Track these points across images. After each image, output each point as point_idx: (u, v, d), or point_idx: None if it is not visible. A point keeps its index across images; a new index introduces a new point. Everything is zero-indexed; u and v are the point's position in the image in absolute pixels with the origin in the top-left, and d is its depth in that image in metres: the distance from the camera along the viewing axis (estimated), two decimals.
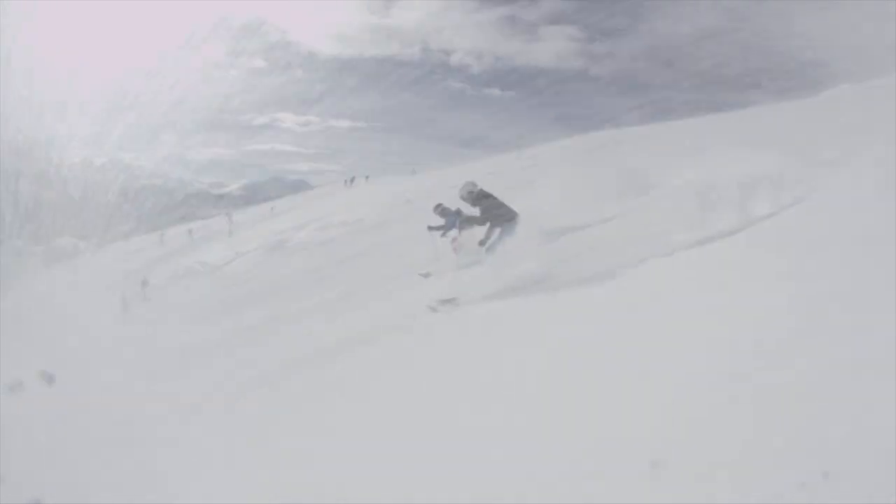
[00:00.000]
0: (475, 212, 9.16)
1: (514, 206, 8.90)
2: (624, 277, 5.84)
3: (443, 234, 11.02)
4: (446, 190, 18.34)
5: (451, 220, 10.79)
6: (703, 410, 2.94)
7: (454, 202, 10.36)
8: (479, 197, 8.90)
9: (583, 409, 3.46)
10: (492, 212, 8.77)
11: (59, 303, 25.60)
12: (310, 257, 21.41)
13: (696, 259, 5.73)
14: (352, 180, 52.48)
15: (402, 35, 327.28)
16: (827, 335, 3.20)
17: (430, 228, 11.10)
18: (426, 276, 10.26)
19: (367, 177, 53.23)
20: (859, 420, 2.42)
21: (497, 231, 8.82)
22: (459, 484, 3.21)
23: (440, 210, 11.16)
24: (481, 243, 8.93)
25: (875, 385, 2.58)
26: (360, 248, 19.57)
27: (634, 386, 3.46)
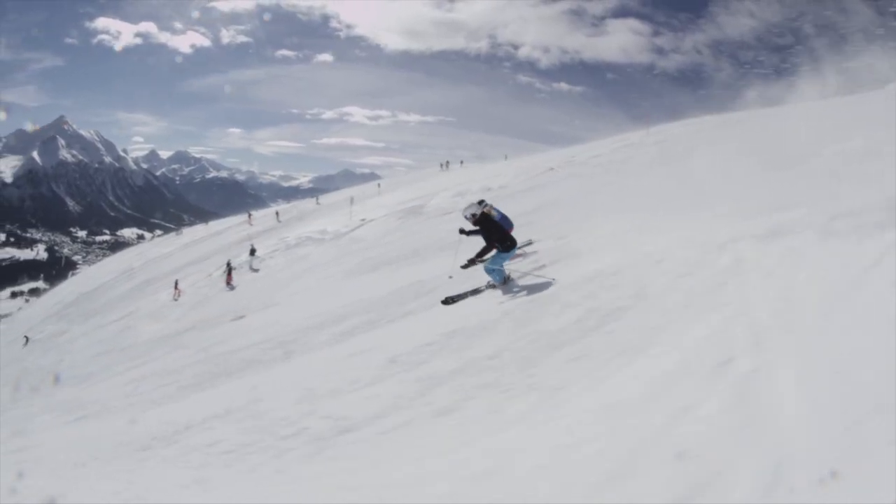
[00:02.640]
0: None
1: (674, 177, 12.62)
2: None
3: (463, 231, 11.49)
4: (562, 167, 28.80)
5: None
6: None
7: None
8: (482, 220, 9.99)
9: None
10: (492, 236, 9.91)
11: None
12: (453, 220, 22.22)
13: None
14: (447, 164, 61.37)
15: (468, 29, 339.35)
16: None
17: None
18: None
19: (461, 162, 62.89)
20: None
21: (492, 254, 10.07)
22: None
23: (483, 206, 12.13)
24: (470, 262, 10.47)
25: None
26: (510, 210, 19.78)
27: None
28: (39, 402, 17.75)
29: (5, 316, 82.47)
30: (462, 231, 10.71)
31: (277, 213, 56.55)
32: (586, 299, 7.92)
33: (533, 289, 9.61)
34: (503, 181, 35.33)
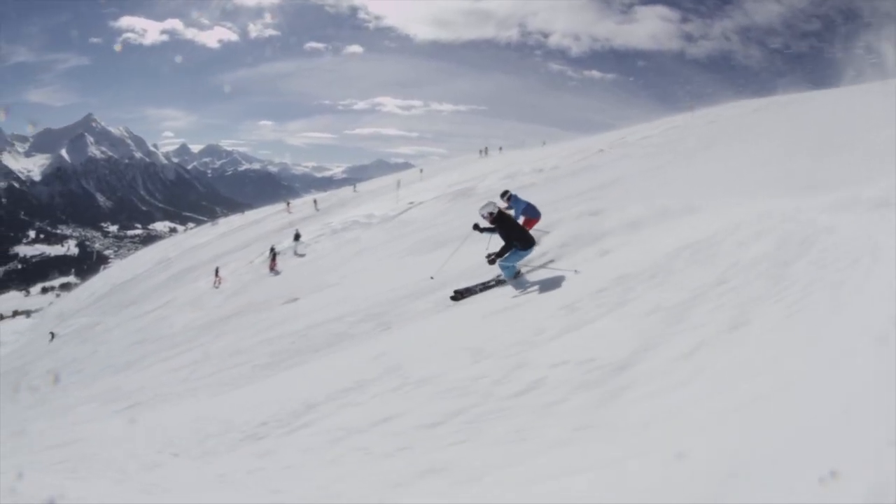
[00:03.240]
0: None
1: (733, 157, 13.11)
2: None
3: None
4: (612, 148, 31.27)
5: (519, 209, 12.62)
6: None
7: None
8: (499, 220, 10.10)
9: None
10: (510, 235, 10.00)
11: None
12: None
13: None
14: (485, 151, 61.82)
15: (497, 18, 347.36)
16: None
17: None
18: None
19: (500, 148, 63.28)
20: None
21: (509, 253, 10.07)
22: None
23: (507, 198, 13.02)
24: (489, 258, 10.26)
25: None
26: (566, 190, 22.12)
27: None
28: (77, 392, 17.36)
29: (36, 311, 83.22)
30: (476, 227, 10.59)
31: (315, 202, 57.09)
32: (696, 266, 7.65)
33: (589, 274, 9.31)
34: (554, 162, 35.52)
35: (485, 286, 11.06)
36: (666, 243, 8.97)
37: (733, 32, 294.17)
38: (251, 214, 71.68)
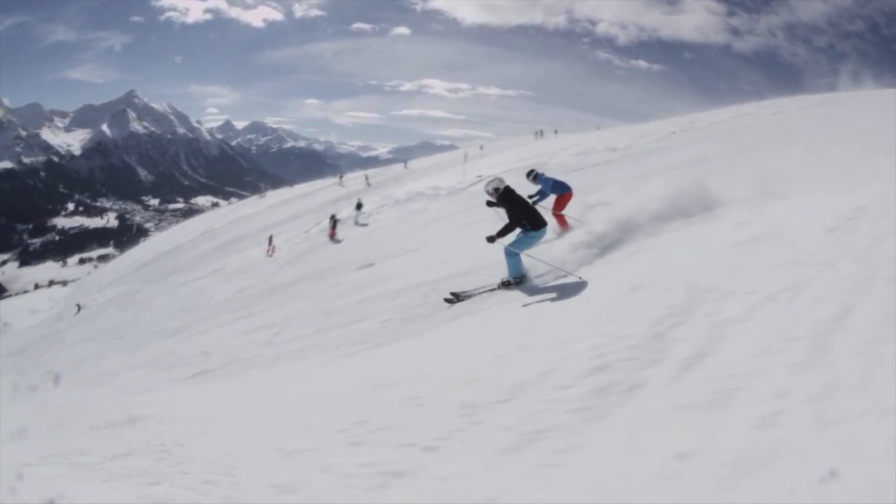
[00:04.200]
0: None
1: (809, 148, 11.99)
2: None
3: (535, 203, 11.19)
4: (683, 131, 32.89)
5: (547, 187, 12.44)
6: None
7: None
8: (505, 197, 9.21)
9: None
10: (517, 215, 9.06)
11: None
12: (585, 175, 24.90)
13: None
14: (541, 133, 63.18)
15: (545, 4, 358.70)
16: None
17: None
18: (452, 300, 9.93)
19: (555, 131, 65.08)
20: None
21: (518, 235, 9.21)
22: None
23: (533, 177, 12.83)
24: (489, 238, 9.06)
25: None
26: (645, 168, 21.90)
27: None
28: (118, 358, 16.67)
29: (73, 281, 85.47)
30: (489, 203, 9.82)
31: (367, 177, 56.46)
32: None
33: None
34: (627, 142, 35.36)
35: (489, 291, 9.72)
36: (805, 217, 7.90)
37: (779, 29, 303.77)
38: (300, 188, 72.27)
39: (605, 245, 9.50)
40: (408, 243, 21.88)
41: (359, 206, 36.45)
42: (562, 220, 12.38)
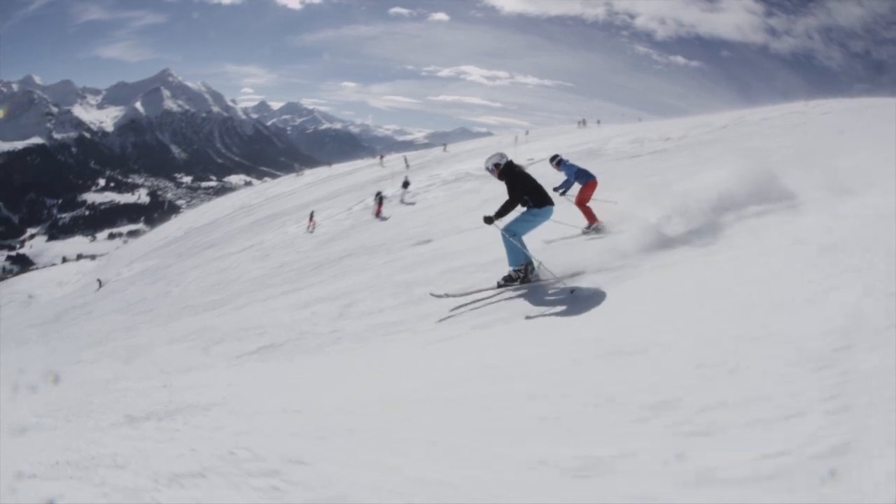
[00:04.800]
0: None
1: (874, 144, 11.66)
2: None
3: (561, 193, 11.93)
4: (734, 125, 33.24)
5: (571, 174, 12.12)
6: None
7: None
8: (506, 172, 8.30)
9: None
10: (517, 192, 8.06)
11: None
12: (642, 162, 25.38)
13: None
14: (583, 122, 65.23)
15: None
16: None
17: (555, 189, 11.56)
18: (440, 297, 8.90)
19: (598, 121, 68.88)
20: None
21: (520, 214, 8.23)
22: None
23: (556, 162, 12.47)
24: (486, 218, 8.16)
25: None
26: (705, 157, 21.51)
27: None
28: (148, 332, 16.00)
29: (102, 255, 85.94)
30: (487, 220, 8.64)
31: (405, 158, 57.60)
32: None
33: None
34: (681, 133, 35.33)
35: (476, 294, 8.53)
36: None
37: (816, 31, 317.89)
38: (339, 167, 72.58)
39: (671, 239, 8.38)
40: (463, 222, 20.75)
41: (405, 185, 36.29)
42: (589, 214, 11.64)
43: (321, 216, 35.01)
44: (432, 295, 8.72)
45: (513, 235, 7.99)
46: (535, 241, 8.92)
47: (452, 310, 8.06)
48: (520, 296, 7.85)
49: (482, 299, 8.14)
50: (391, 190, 36.74)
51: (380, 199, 32.20)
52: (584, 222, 11.41)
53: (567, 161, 12.37)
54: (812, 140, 22.38)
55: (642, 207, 9.39)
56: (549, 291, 7.69)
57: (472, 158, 45.56)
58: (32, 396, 8.79)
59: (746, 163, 10.67)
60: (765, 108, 41.01)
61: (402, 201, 33.92)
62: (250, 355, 8.65)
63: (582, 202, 11.64)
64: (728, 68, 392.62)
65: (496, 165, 8.26)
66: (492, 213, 8.01)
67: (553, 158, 12.58)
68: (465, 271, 10.84)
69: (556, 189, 11.60)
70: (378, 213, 31.02)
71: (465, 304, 8.13)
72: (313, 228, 32.02)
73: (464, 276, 10.39)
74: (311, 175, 73.15)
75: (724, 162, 12.11)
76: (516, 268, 8.12)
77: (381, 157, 66.45)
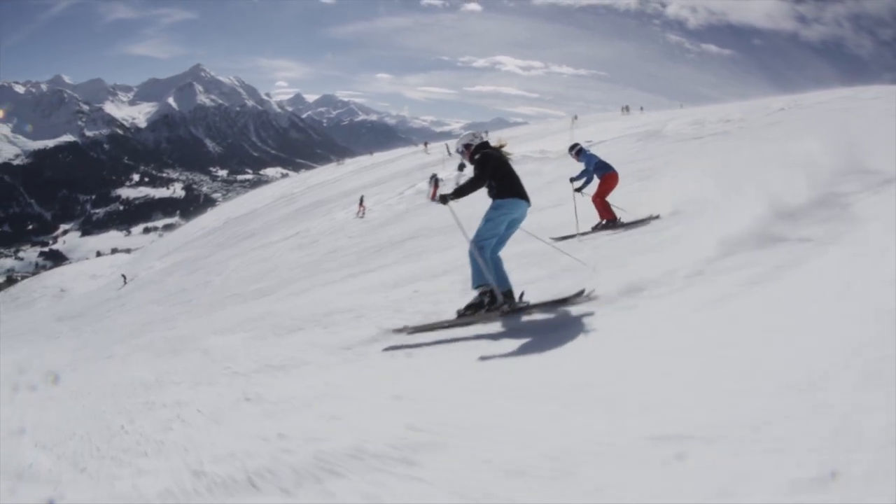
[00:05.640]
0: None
1: None
2: None
3: (577, 189, 11.50)
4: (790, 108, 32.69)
5: (591, 165, 11.35)
6: None
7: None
8: (479, 153, 6.62)
9: None
10: (485, 172, 6.39)
11: None
12: (707, 144, 24.62)
13: None
14: (627, 109, 65.65)
15: None
16: None
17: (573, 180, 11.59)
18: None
19: (641, 108, 68.36)
20: None
21: (488, 211, 6.43)
22: None
23: (576, 152, 11.85)
24: (442, 199, 6.65)
25: None
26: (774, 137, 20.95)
27: None
28: (189, 322, 15.01)
29: (136, 249, 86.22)
30: (442, 199, 6.83)
31: (447, 146, 56.85)
32: None
33: None
34: (739, 115, 34.59)
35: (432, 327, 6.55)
36: None
37: (845, 19, 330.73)
38: (380, 156, 73.09)
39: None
40: (539, 200, 19.62)
41: (461, 168, 35.07)
42: (605, 209, 11.13)
43: (370, 202, 34.07)
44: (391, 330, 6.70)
45: (479, 248, 6.15)
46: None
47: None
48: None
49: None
50: (445, 173, 36.19)
51: (435, 181, 31.87)
52: (596, 219, 11.12)
53: (588, 151, 11.83)
54: (875, 124, 20.86)
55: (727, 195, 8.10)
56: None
57: (519, 144, 43.01)
58: (38, 412, 6.97)
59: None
60: (816, 92, 41.20)
61: (457, 184, 31.99)
62: (368, 344, 6.68)
63: (601, 196, 11.13)
64: (760, 57, 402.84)
65: (466, 146, 6.76)
66: (449, 192, 6.65)
67: (572, 147, 12.07)
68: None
69: (573, 180, 11.55)
70: (434, 196, 29.96)
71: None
72: (363, 213, 31.17)
73: (571, 250, 9.27)
74: (353, 163, 73.54)
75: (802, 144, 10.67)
76: (481, 288, 6.25)
77: (426, 143, 67.15)
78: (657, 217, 10.57)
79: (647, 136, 33.66)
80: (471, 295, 6.37)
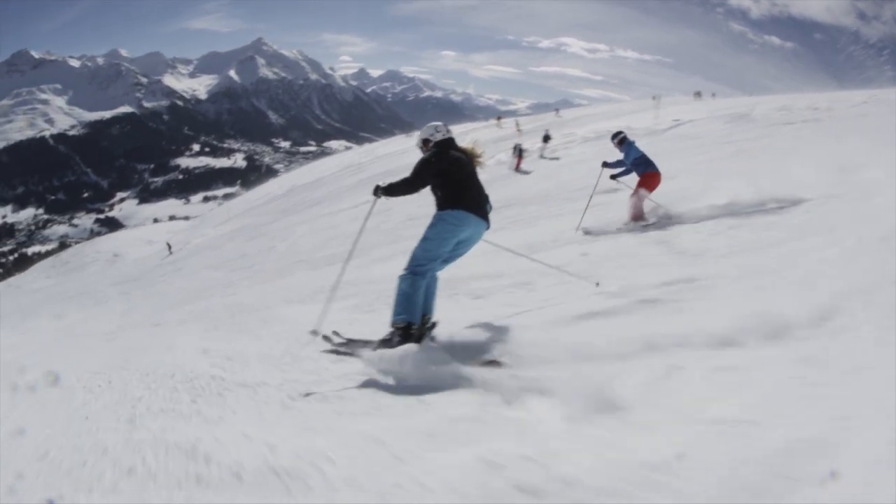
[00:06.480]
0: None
1: None
2: None
3: (613, 177, 10.90)
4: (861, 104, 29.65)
5: (630, 158, 10.37)
6: None
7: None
8: (433, 149, 5.35)
9: None
10: (428, 173, 5.09)
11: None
12: (803, 129, 23.44)
13: None
14: (699, 94, 65.49)
15: None
16: None
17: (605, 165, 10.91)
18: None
19: (713, 94, 69.08)
20: None
21: (432, 222, 5.01)
22: None
23: (618, 140, 10.80)
24: (375, 191, 5.42)
25: None
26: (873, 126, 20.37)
27: None
28: (250, 289, 14.30)
29: (195, 217, 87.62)
30: (377, 192, 5.53)
31: (517, 122, 58.10)
32: None
33: None
34: (826, 104, 33.10)
35: (359, 344, 5.01)
36: None
37: None
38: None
39: None
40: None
41: (546, 139, 35.87)
42: (638, 209, 10.10)
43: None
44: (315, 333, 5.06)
45: (415, 275, 4.79)
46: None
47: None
48: None
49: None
50: (528, 144, 35.49)
51: (519, 152, 31.26)
52: (626, 217, 10.14)
53: (634, 143, 10.72)
54: None
55: None
56: None
57: (596, 122, 45.88)
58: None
59: None
60: (893, 89, 39.66)
61: (541, 156, 33.49)
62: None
63: (643, 192, 10.12)
64: (820, 52, 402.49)
65: (425, 142, 5.50)
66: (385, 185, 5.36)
67: (616, 135, 10.99)
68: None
69: (606, 165, 10.77)
70: (518, 167, 30.23)
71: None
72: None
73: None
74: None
75: None
76: (400, 323, 4.74)
77: (499, 118, 68.05)
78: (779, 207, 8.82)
79: (735, 119, 32.85)
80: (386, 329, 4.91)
